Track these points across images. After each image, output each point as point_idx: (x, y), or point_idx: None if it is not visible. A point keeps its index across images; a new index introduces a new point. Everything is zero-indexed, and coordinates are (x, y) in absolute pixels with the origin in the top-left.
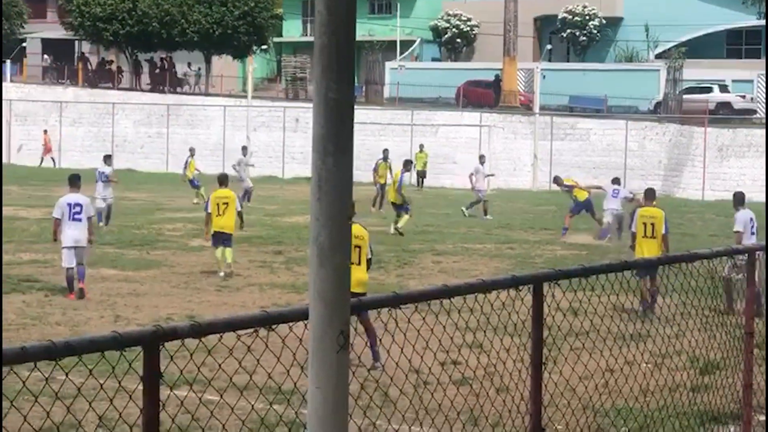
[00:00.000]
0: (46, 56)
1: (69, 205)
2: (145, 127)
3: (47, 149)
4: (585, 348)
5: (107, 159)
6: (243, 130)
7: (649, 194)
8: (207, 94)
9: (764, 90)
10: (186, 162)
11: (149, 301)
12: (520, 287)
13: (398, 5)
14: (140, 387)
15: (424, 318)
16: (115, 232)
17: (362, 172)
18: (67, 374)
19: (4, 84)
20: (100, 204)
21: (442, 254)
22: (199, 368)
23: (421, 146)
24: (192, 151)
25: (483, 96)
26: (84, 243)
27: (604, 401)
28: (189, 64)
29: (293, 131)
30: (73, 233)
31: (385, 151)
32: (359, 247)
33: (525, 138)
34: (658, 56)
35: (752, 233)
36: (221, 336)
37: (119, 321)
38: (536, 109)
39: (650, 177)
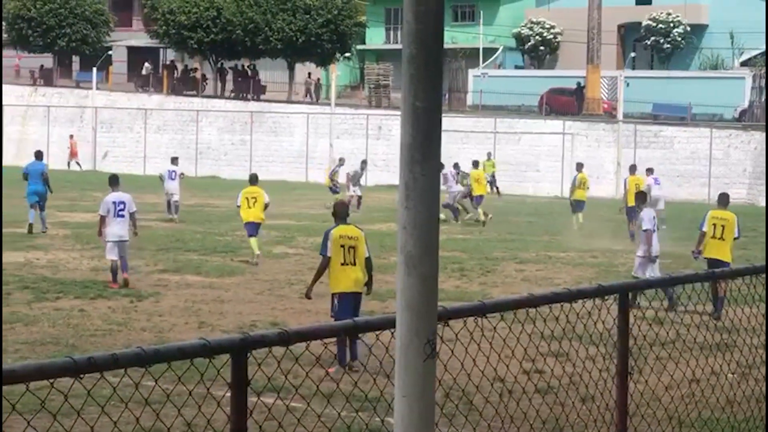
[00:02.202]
0: (147, 64)
1: (114, 203)
2: (228, 135)
3: (73, 153)
4: (670, 357)
5: (174, 160)
6: (326, 138)
7: (723, 198)
8: (290, 102)
9: None
10: (333, 170)
11: (233, 307)
12: (606, 297)
13: (481, 13)
14: (228, 394)
15: (510, 327)
16: (199, 239)
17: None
18: (156, 381)
19: (90, 91)
20: (176, 198)
21: (524, 262)
22: (285, 376)
23: (489, 155)
24: (342, 161)
25: (566, 104)
26: (127, 237)
27: (690, 412)
28: (309, 74)
29: (376, 138)
30: (118, 229)
31: (341, 159)
32: (354, 247)
33: (608, 146)
34: (744, 63)
35: (654, 230)
36: (308, 344)
37: (203, 327)
38: (620, 117)
39: (735, 185)
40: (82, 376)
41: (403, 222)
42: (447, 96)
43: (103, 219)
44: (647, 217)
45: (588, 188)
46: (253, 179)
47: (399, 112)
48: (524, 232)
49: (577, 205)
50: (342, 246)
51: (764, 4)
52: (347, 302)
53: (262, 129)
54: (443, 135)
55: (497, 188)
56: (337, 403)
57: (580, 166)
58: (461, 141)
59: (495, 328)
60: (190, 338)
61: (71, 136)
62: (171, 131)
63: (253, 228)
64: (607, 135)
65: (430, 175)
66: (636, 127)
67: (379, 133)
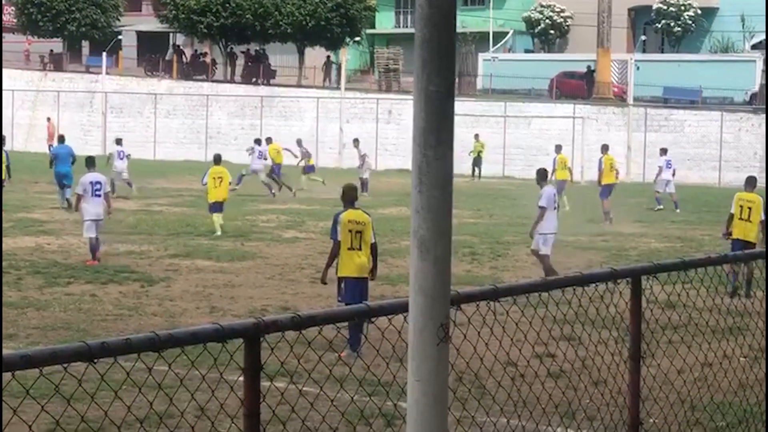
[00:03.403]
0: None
1: (91, 183)
2: (238, 119)
3: (51, 137)
4: (683, 341)
5: (119, 141)
6: (336, 122)
7: (750, 181)
8: (300, 86)
9: None
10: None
11: (244, 292)
12: (618, 280)
13: None
14: (240, 378)
15: (522, 311)
16: (210, 224)
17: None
18: (169, 365)
19: (100, 76)
20: (125, 176)
21: None
22: (298, 360)
23: (477, 136)
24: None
25: (576, 88)
26: (102, 216)
27: (702, 395)
28: (328, 57)
29: (386, 123)
30: (95, 208)
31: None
32: (360, 232)
33: (618, 130)
34: (754, 47)
35: (554, 208)
36: (321, 328)
37: (215, 312)
38: (630, 101)
39: (745, 169)
40: (95, 360)
41: (416, 205)
42: (457, 80)
43: (79, 197)
44: (546, 194)
45: (570, 169)
46: (217, 159)
47: (409, 97)
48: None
49: (558, 186)
50: (350, 231)
51: None
52: (353, 287)
53: (272, 113)
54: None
55: (478, 170)
56: (349, 388)
57: (558, 148)
58: (471, 125)
59: (507, 312)
60: (202, 323)
61: (48, 119)
62: (181, 116)
63: (218, 206)
64: (618, 119)
65: (443, 158)
66: (646, 110)
67: (390, 118)
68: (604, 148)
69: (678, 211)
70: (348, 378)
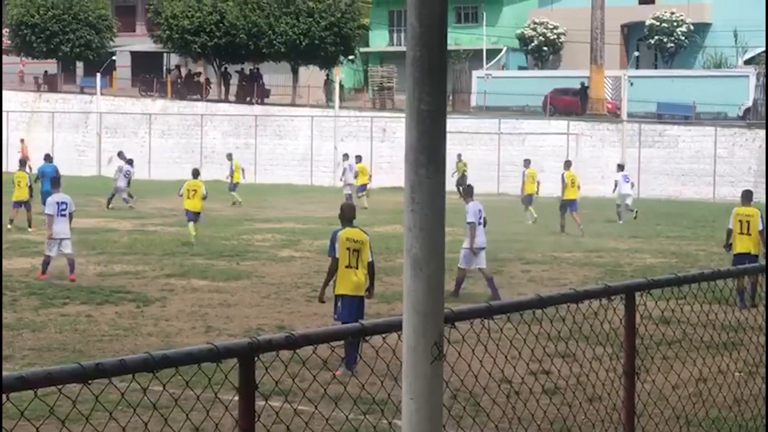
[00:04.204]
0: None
1: (58, 203)
2: (233, 138)
3: (24, 157)
4: (677, 357)
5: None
6: (330, 141)
7: (747, 195)
8: (294, 105)
9: None
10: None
11: (240, 311)
12: (612, 296)
13: (484, 14)
14: (235, 398)
15: (516, 328)
16: (205, 243)
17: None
18: (164, 385)
19: (94, 96)
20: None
21: (530, 263)
22: (293, 379)
23: (459, 156)
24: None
25: (570, 104)
26: (68, 235)
27: (697, 411)
28: (327, 76)
29: (380, 141)
30: (61, 227)
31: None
32: (358, 251)
33: (612, 146)
34: (747, 62)
35: (480, 223)
36: (315, 347)
37: (210, 332)
38: (624, 117)
39: (740, 184)
40: (90, 381)
41: (409, 224)
42: (451, 97)
43: (51, 218)
44: (472, 210)
45: (537, 183)
46: (195, 173)
47: (403, 115)
48: (529, 233)
49: (525, 199)
50: (348, 249)
51: (764, 3)
52: (350, 305)
53: (266, 132)
54: (447, 137)
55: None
56: (344, 406)
57: (527, 162)
58: (466, 142)
59: (501, 329)
60: (197, 343)
61: (22, 140)
62: (175, 136)
63: (192, 215)
64: (612, 135)
65: (435, 177)
66: (640, 126)
67: (384, 136)
68: (567, 165)
69: (635, 218)
70: (343, 396)
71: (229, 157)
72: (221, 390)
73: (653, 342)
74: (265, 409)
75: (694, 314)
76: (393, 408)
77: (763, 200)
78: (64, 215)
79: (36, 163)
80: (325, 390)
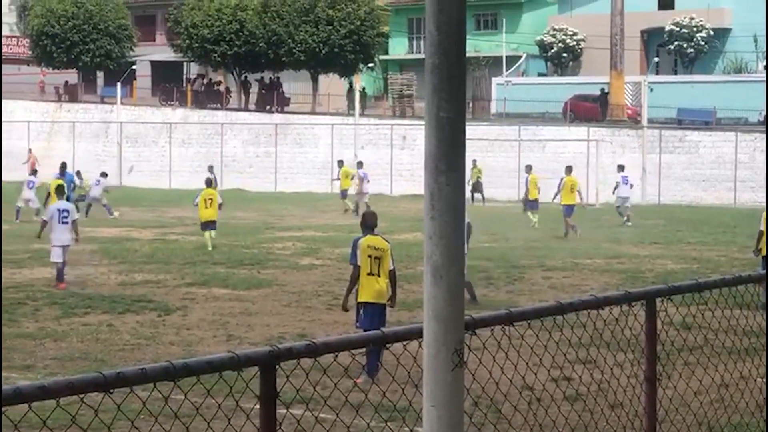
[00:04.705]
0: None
1: (59, 210)
2: (253, 147)
3: (32, 167)
4: (699, 363)
5: (35, 172)
6: (350, 148)
7: None
8: (314, 113)
9: None
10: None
11: (261, 320)
12: (633, 303)
13: (504, 21)
14: (256, 406)
15: (537, 335)
16: (226, 252)
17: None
18: (185, 394)
19: (114, 106)
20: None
21: (551, 270)
22: (314, 387)
23: (474, 162)
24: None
25: (590, 110)
26: (69, 243)
27: (719, 417)
28: (351, 83)
29: (401, 148)
30: (62, 235)
31: (211, 166)
32: (379, 258)
33: (633, 152)
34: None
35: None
36: (336, 355)
37: (232, 340)
38: (644, 123)
39: (761, 189)
40: (111, 390)
41: (429, 232)
42: (471, 104)
43: (45, 223)
44: None
45: (538, 188)
46: (209, 183)
47: (423, 122)
48: (550, 239)
49: (529, 205)
50: (369, 256)
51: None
52: (372, 312)
53: (286, 141)
54: (467, 143)
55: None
56: (365, 414)
57: (529, 168)
58: (486, 149)
59: (522, 336)
60: (218, 351)
61: (29, 150)
62: (196, 144)
63: (208, 224)
64: (632, 141)
65: (454, 184)
66: (661, 132)
67: (404, 143)
68: (568, 170)
69: (629, 224)
70: (364, 404)
71: (341, 164)
72: (242, 398)
73: (674, 348)
74: (287, 417)
75: (716, 320)
76: (414, 415)
77: None
78: (65, 222)
79: (47, 172)
80: (346, 398)
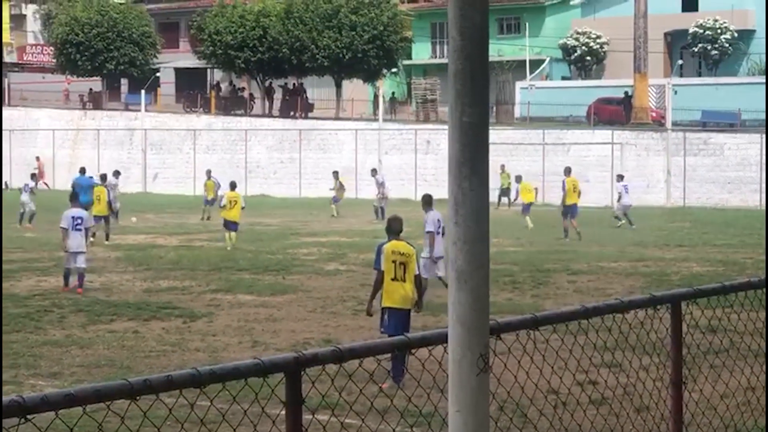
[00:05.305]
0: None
1: (73, 218)
2: (277, 153)
3: (41, 174)
4: (725, 366)
5: (33, 176)
6: (374, 154)
7: None
8: (338, 119)
9: None
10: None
11: (286, 326)
12: (658, 306)
13: (527, 25)
14: (282, 412)
15: (562, 339)
16: (251, 258)
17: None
18: (211, 400)
19: (139, 113)
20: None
21: (576, 273)
22: (339, 393)
23: (503, 167)
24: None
25: (614, 113)
26: (83, 249)
27: (746, 420)
28: (377, 89)
29: (425, 153)
30: (76, 241)
31: (209, 171)
32: (405, 264)
33: (657, 154)
34: None
35: (438, 233)
36: (361, 361)
37: (257, 346)
38: (668, 125)
39: None
40: (138, 397)
41: (453, 237)
42: (494, 109)
43: (65, 231)
44: (431, 219)
45: (534, 191)
46: (233, 186)
47: (447, 127)
48: (575, 243)
49: (524, 208)
50: (393, 261)
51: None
52: (396, 318)
53: (310, 146)
54: (491, 148)
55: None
56: (391, 419)
57: (518, 178)
58: (510, 153)
59: (547, 340)
60: (244, 357)
61: (37, 158)
62: (220, 151)
63: (231, 225)
64: (656, 143)
65: (478, 189)
66: (685, 134)
67: (428, 148)
68: (567, 171)
69: (634, 227)
70: (390, 409)
71: (336, 174)
72: (268, 404)
73: (700, 351)
74: (312, 423)
75: (742, 323)
76: (440, 420)
77: None
78: (79, 229)
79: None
80: (371, 403)
